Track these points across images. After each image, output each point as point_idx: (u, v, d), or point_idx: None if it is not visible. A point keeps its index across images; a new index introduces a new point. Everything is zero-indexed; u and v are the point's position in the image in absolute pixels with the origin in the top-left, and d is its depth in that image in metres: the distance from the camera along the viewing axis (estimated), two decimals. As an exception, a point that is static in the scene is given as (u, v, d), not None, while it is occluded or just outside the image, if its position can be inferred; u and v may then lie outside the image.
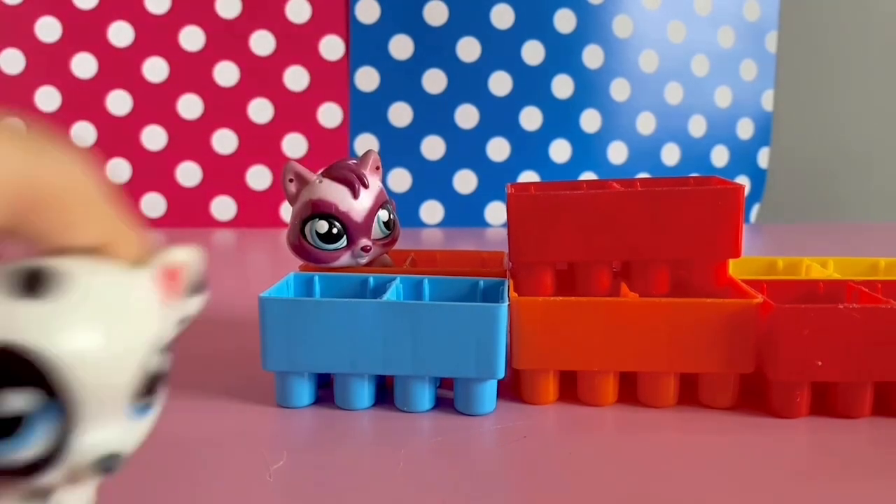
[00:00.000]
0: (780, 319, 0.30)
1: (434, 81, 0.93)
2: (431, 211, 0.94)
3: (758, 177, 1.04)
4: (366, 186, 0.35)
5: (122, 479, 0.26)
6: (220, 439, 0.29)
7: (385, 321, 0.30)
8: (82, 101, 0.88)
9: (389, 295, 0.32)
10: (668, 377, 0.32)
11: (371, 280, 0.35)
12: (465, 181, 0.94)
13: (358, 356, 0.31)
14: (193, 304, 0.17)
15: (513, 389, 0.34)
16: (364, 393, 0.32)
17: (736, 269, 0.40)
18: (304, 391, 0.32)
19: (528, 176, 0.96)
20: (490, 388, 0.31)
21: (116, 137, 0.89)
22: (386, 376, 0.33)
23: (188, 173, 0.91)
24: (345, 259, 0.35)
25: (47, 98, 0.87)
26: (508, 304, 0.31)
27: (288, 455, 0.27)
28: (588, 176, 0.97)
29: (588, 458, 0.28)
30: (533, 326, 0.32)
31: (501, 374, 0.31)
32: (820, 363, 0.30)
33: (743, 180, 1.02)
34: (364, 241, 0.35)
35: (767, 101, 1.02)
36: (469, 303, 0.30)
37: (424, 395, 0.31)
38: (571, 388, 0.33)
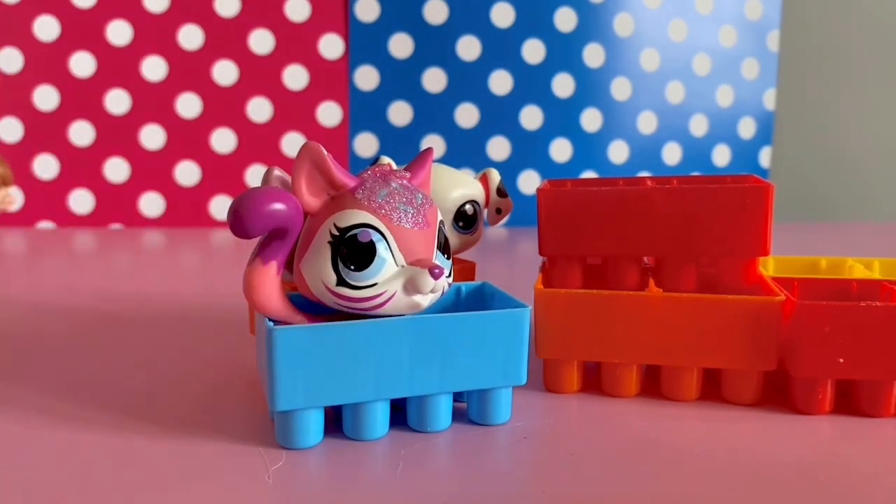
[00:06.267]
0: (802, 316, 0.30)
1: (434, 80, 0.93)
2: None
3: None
4: None
5: (122, 477, 0.25)
6: (219, 439, 0.28)
7: (413, 339, 0.28)
8: (81, 99, 0.87)
9: None
10: (691, 371, 0.32)
11: None
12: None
13: (382, 380, 0.28)
14: None
15: (531, 385, 0.34)
16: (379, 419, 0.28)
17: (779, 267, 0.41)
18: (318, 426, 0.28)
19: (529, 175, 0.96)
20: (507, 395, 0.30)
21: (115, 136, 0.88)
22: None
23: (187, 173, 0.90)
24: None
25: (46, 97, 0.86)
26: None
27: (286, 456, 0.27)
28: (588, 175, 0.97)
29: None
30: (555, 317, 0.32)
31: (524, 379, 0.29)
32: (842, 360, 0.30)
33: (744, 179, 1.02)
34: None
35: (769, 101, 1.02)
36: (496, 310, 0.29)
37: (444, 412, 0.29)
38: (594, 379, 0.34)
